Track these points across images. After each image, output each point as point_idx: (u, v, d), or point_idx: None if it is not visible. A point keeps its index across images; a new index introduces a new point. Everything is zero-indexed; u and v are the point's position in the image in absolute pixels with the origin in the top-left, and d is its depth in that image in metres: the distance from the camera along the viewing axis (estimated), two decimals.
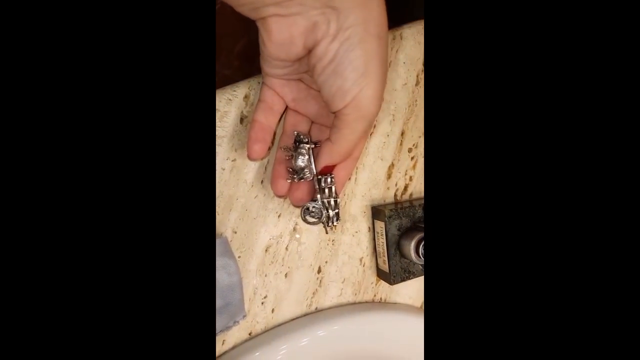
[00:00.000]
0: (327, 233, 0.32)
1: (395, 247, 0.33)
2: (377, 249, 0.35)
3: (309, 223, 0.29)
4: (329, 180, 0.29)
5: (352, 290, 0.35)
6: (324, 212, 0.29)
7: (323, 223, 0.29)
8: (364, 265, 0.36)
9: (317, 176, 0.28)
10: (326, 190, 0.29)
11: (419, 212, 0.34)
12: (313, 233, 0.33)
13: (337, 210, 0.30)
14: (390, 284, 0.34)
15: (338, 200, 0.30)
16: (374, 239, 0.35)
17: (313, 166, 0.28)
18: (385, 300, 0.38)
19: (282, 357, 0.31)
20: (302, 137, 0.29)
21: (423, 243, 0.32)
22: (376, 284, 0.37)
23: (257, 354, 0.30)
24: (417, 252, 0.32)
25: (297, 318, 0.33)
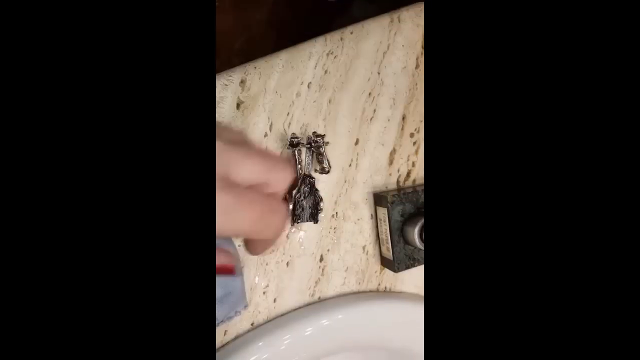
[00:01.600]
0: (291, 225, 0.31)
1: (399, 234, 0.33)
2: (380, 236, 0.34)
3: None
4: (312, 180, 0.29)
5: (355, 279, 0.35)
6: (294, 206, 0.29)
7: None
8: (367, 254, 0.35)
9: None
10: (306, 188, 0.29)
11: (423, 198, 0.33)
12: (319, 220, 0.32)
13: (312, 211, 0.30)
14: (395, 271, 0.33)
15: (321, 204, 0.30)
16: (377, 227, 0.34)
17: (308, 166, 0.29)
18: (389, 289, 0.38)
19: (286, 347, 0.30)
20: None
21: None
22: (380, 273, 0.36)
23: (260, 344, 0.30)
24: (420, 237, 0.31)
25: (300, 308, 0.32)
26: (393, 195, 0.32)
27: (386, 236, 0.33)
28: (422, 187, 0.34)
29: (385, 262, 0.35)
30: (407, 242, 0.33)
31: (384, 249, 0.34)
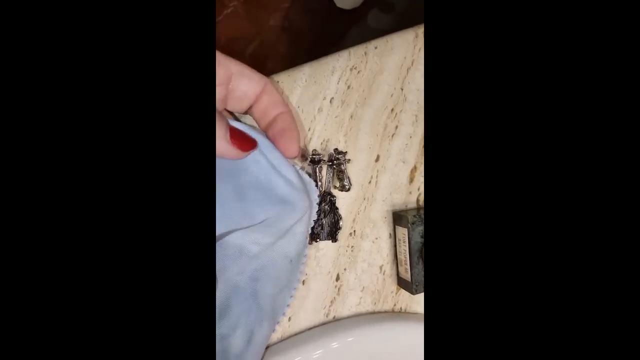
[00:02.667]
0: (309, 244, 0.30)
1: (418, 255, 0.32)
2: (399, 256, 0.33)
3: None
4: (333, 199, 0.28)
5: (371, 299, 0.34)
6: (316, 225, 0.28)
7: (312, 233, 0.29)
8: (384, 274, 0.34)
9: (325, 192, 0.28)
10: (327, 207, 0.28)
11: None
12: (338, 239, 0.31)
13: (331, 230, 0.29)
14: (413, 293, 0.32)
15: (340, 222, 0.29)
16: (395, 246, 0.33)
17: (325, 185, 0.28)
18: (405, 310, 0.36)
19: None
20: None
21: None
22: (396, 293, 0.35)
23: None
24: None
25: (314, 327, 0.31)
26: (414, 216, 0.31)
27: (405, 257, 0.32)
28: None
29: (402, 283, 0.34)
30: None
31: (401, 269, 0.33)
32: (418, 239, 0.31)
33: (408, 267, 0.32)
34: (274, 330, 0.28)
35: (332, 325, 0.32)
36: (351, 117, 0.31)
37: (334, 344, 0.31)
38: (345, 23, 0.75)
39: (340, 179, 0.30)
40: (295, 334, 0.31)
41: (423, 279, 0.32)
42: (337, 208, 0.29)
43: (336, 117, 0.31)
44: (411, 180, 0.35)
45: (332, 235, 0.29)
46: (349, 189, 0.30)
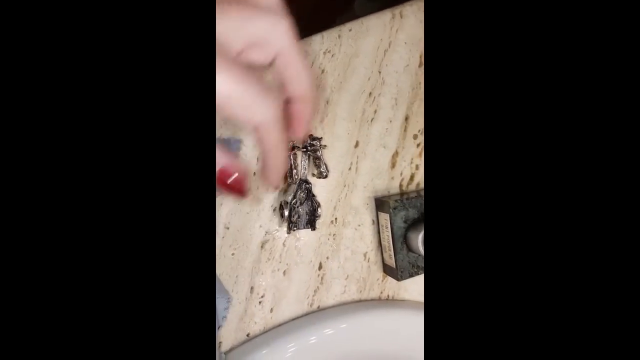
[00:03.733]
0: (287, 233, 0.30)
1: (402, 241, 0.31)
2: (382, 243, 0.32)
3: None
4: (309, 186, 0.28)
5: (356, 287, 0.33)
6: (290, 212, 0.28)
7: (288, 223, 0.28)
8: (368, 261, 0.34)
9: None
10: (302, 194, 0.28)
11: None
12: (317, 227, 0.31)
13: (310, 218, 0.29)
14: (398, 279, 0.32)
15: (318, 210, 0.28)
16: (379, 233, 0.33)
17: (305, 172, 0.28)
18: (392, 297, 0.36)
19: (284, 358, 0.29)
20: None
21: None
22: (382, 280, 0.35)
23: (256, 356, 0.28)
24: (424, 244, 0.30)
25: (298, 317, 0.31)
26: (396, 201, 0.30)
27: (388, 243, 0.31)
28: None
29: (387, 270, 0.33)
30: (410, 249, 0.31)
31: (386, 256, 0.32)
32: (401, 224, 0.31)
33: (392, 253, 0.31)
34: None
35: (319, 313, 0.32)
36: (327, 102, 0.31)
37: (325, 331, 0.31)
38: (331, 11, 0.73)
39: (317, 166, 0.29)
40: (279, 325, 0.30)
41: (408, 264, 0.32)
42: (314, 195, 0.28)
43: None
44: (393, 165, 0.34)
45: (311, 224, 0.29)
46: (326, 176, 0.29)
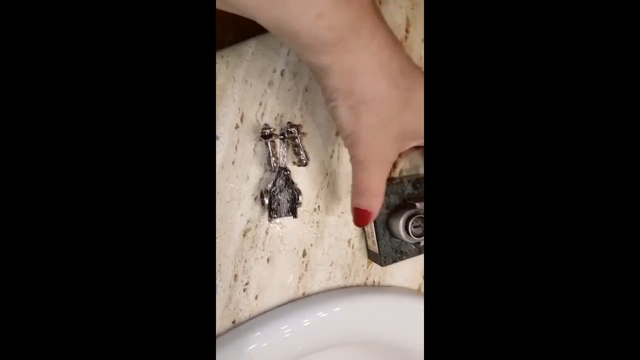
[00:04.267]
0: (269, 221, 0.30)
1: (384, 227, 0.31)
2: (365, 229, 0.33)
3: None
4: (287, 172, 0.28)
5: (341, 274, 0.34)
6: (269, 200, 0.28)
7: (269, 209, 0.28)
8: (352, 247, 0.34)
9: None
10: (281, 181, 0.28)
11: (409, 189, 0.32)
12: (298, 214, 0.31)
13: (291, 205, 0.29)
14: (382, 265, 0.32)
15: (299, 198, 0.28)
16: None
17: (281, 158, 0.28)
18: (378, 283, 0.36)
19: (269, 344, 0.29)
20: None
21: (413, 220, 0.30)
22: (367, 267, 0.35)
23: (242, 342, 0.29)
24: (406, 230, 0.30)
25: (284, 304, 0.31)
26: None
27: (371, 229, 0.32)
28: (409, 178, 0.33)
29: (372, 256, 0.34)
30: (392, 235, 0.31)
31: (369, 242, 0.33)
32: (382, 210, 0.31)
33: (375, 239, 0.32)
34: None
35: (304, 300, 0.32)
36: (306, 89, 0.31)
37: (309, 318, 0.31)
38: None
39: (297, 154, 0.29)
40: (264, 312, 0.31)
41: (391, 250, 0.32)
42: (293, 183, 0.28)
43: (289, 90, 0.30)
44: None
45: (293, 211, 0.29)
46: (306, 164, 0.30)
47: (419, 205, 0.30)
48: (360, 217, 0.27)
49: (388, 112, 0.22)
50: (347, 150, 0.25)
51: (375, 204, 0.27)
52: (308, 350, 0.32)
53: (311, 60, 0.21)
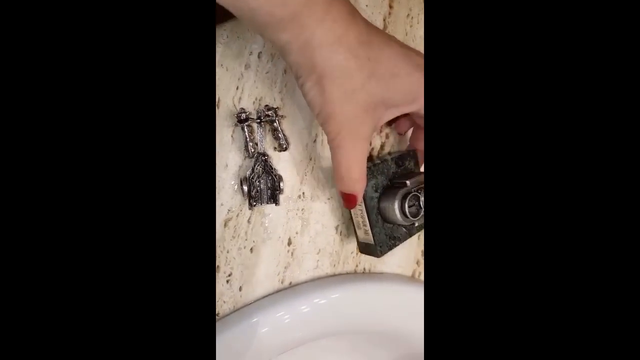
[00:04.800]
0: (249, 209, 0.29)
1: (376, 212, 0.29)
2: (355, 219, 0.31)
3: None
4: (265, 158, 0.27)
5: (329, 262, 0.33)
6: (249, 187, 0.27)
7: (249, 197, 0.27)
8: (340, 234, 0.33)
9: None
10: (259, 168, 0.27)
11: (393, 167, 0.31)
12: (280, 202, 0.30)
13: (272, 192, 0.27)
14: (378, 256, 0.30)
15: (280, 184, 0.27)
16: (349, 211, 0.31)
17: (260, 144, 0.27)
18: (369, 270, 0.35)
19: (256, 337, 0.29)
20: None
21: (408, 200, 0.28)
22: (357, 254, 0.34)
23: (226, 335, 0.28)
24: (402, 211, 0.28)
25: (269, 295, 0.30)
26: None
27: (362, 218, 0.30)
28: (392, 156, 0.31)
29: (364, 248, 0.32)
30: (386, 219, 0.30)
31: (360, 233, 0.31)
32: (373, 193, 0.29)
33: (368, 228, 0.30)
34: None
35: (291, 290, 0.31)
36: (285, 71, 0.29)
37: (292, 311, 0.30)
38: None
39: (276, 138, 0.28)
40: (250, 304, 0.30)
41: (385, 237, 0.30)
42: (273, 169, 0.27)
43: (267, 72, 0.29)
44: None
45: (274, 199, 0.28)
46: (286, 148, 0.28)
47: (409, 183, 0.29)
48: (347, 201, 0.27)
49: (350, 83, 0.22)
50: None
51: (357, 187, 0.26)
52: (298, 341, 0.31)
53: (272, 38, 0.21)
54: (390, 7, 0.34)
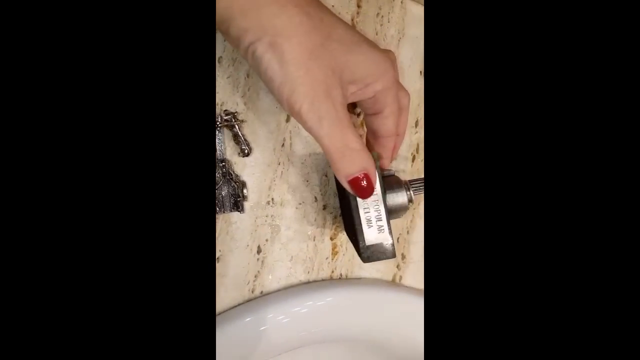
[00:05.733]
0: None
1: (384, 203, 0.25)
2: (365, 216, 0.25)
3: None
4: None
5: (303, 269, 0.32)
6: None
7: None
8: (314, 240, 0.32)
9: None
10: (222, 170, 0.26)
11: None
12: (245, 209, 0.29)
13: (235, 200, 0.26)
14: (394, 256, 0.25)
15: (243, 190, 0.26)
16: (350, 211, 0.26)
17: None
18: (347, 276, 0.34)
19: (225, 347, 0.28)
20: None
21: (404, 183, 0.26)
22: (333, 259, 0.33)
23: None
24: (410, 198, 0.26)
25: (239, 305, 0.29)
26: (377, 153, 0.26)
27: (377, 209, 0.24)
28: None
29: (372, 253, 0.25)
30: (392, 210, 0.26)
31: (371, 233, 0.25)
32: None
33: (384, 222, 0.25)
34: None
35: (262, 299, 0.30)
36: (247, 75, 0.29)
37: (265, 320, 0.29)
38: None
39: (238, 143, 0.28)
40: (218, 315, 0.29)
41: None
42: (233, 175, 0.27)
43: (228, 77, 0.28)
44: None
45: (237, 206, 0.27)
46: (248, 154, 0.28)
47: (392, 171, 0.28)
48: (358, 188, 0.22)
49: (309, 40, 0.19)
50: (299, 136, 0.23)
51: (366, 160, 0.21)
52: (274, 351, 0.30)
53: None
54: (359, 6, 0.33)
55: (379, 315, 0.35)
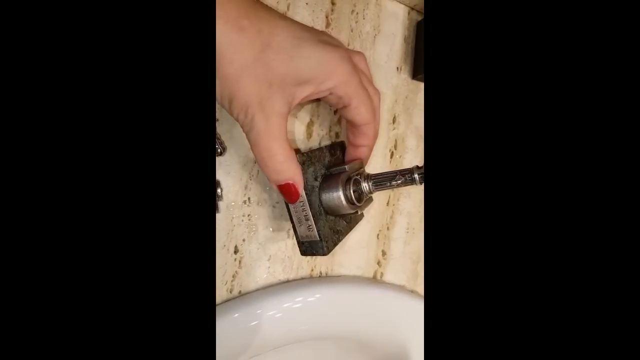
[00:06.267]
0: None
1: (319, 203, 0.27)
2: (296, 215, 0.28)
3: None
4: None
5: (282, 268, 0.32)
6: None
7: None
8: (292, 238, 0.32)
9: None
10: None
11: (328, 156, 0.29)
12: (220, 209, 0.29)
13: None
14: (325, 254, 0.28)
15: (217, 190, 0.26)
16: (287, 209, 0.28)
17: None
18: (326, 274, 0.34)
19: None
20: None
21: (352, 183, 0.27)
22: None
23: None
24: (347, 196, 0.26)
25: (217, 305, 0.29)
26: (302, 155, 0.27)
27: (304, 210, 0.27)
28: (324, 145, 0.30)
29: (307, 248, 0.28)
30: (329, 210, 0.27)
31: (302, 230, 0.28)
32: (313, 182, 0.27)
33: (311, 222, 0.27)
34: None
35: (240, 299, 0.30)
36: None
37: (244, 320, 0.29)
38: None
39: None
40: None
41: (330, 231, 0.28)
42: None
43: None
44: (309, 135, 0.32)
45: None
46: (221, 153, 0.27)
47: (348, 167, 0.27)
48: (286, 193, 0.25)
49: (240, 58, 0.20)
50: None
51: (290, 172, 0.23)
52: (252, 352, 0.30)
53: None
54: (333, 3, 0.33)
55: (361, 312, 0.35)
